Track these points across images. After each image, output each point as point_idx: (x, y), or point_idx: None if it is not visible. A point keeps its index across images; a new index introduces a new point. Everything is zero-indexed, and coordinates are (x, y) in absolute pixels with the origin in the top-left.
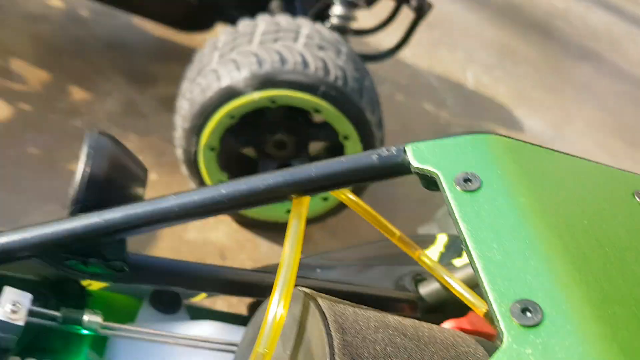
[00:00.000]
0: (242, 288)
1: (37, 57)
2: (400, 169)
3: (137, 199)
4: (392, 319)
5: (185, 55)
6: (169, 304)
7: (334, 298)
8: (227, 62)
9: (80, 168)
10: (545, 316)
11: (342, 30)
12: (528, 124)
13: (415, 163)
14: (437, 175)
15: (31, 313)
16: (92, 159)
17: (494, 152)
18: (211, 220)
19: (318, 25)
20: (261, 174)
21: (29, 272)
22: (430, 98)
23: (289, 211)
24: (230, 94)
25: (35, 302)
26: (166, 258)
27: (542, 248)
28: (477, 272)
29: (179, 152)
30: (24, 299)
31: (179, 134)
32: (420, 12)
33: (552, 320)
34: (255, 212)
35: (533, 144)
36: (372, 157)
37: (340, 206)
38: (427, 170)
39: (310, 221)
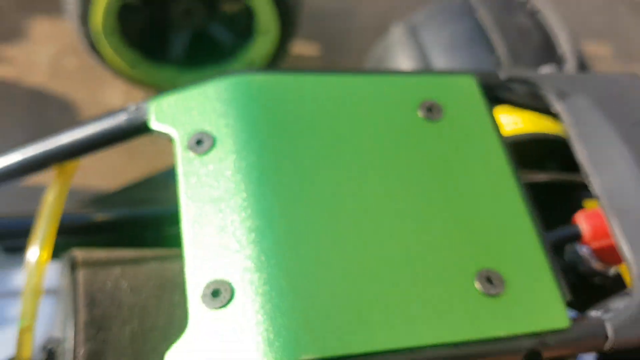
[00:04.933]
0: None
1: None
2: (145, 128)
3: None
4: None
5: None
6: None
7: (113, 255)
8: None
9: None
10: (234, 296)
11: None
12: None
13: (155, 123)
14: (173, 137)
15: None
16: None
17: (237, 100)
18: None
19: None
20: (14, 149)
21: None
22: None
23: None
24: None
25: None
26: None
27: (250, 219)
28: (183, 253)
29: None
30: None
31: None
32: None
33: (240, 300)
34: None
35: (298, 73)
36: (121, 117)
37: None
38: (164, 131)
39: None
